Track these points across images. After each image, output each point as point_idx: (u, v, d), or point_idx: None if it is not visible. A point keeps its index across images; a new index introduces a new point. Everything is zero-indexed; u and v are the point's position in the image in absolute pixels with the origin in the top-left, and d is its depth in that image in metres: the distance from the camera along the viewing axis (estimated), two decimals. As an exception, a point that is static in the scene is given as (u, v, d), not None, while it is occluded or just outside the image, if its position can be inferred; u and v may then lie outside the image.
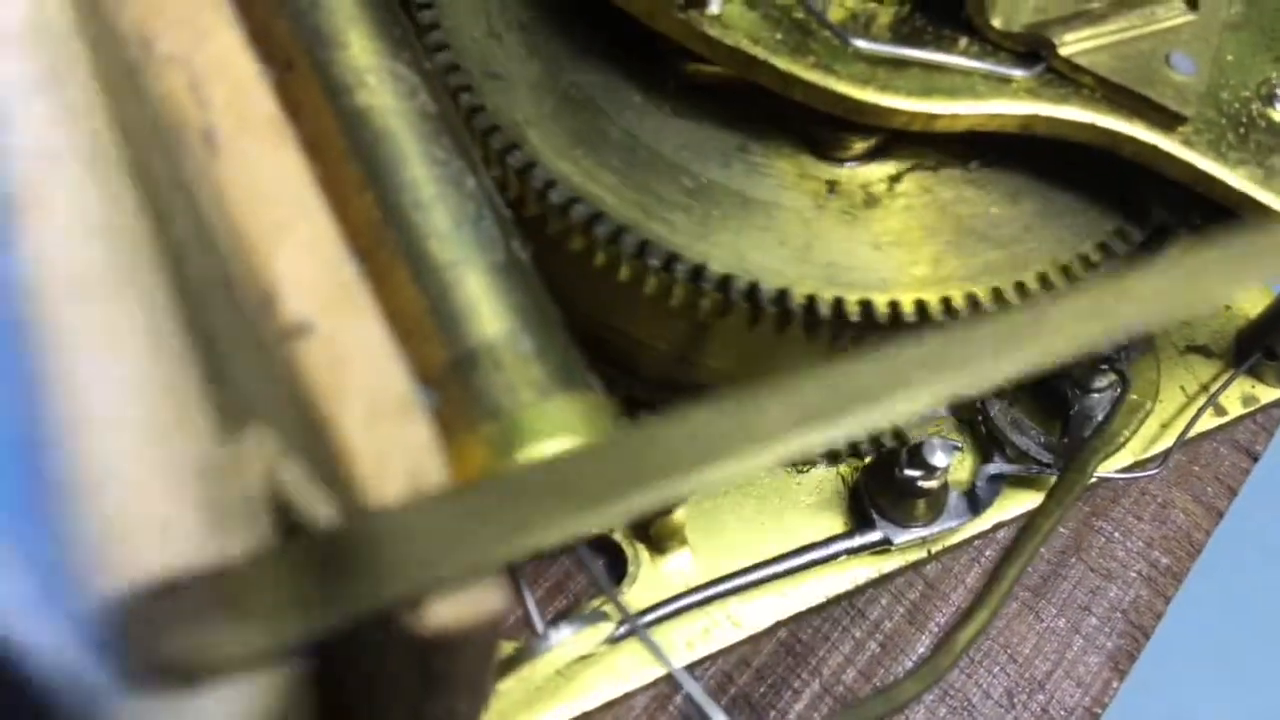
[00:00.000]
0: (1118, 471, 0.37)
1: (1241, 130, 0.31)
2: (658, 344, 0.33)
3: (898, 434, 0.35)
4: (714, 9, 0.29)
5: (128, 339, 0.20)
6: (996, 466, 0.35)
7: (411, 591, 0.17)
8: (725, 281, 0.29)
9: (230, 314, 0.21)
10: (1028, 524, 0.33)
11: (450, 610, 0.18)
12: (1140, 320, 0.21)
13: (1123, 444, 0.36)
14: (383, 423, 0.19)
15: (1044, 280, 0.30)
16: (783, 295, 0.29)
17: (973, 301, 0.30)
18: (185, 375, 0.20)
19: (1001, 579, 0.33)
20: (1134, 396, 0.34)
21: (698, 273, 0.29)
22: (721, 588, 0.33)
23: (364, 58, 0.27)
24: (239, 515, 0.19)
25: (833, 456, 0.36)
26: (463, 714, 0.22)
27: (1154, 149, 0.30)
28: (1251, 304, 0.41)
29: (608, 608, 0.32)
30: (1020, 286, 0.30)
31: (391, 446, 0.19)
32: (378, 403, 0.20)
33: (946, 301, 0.29)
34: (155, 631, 0.17)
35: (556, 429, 0.24)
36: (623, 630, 0.31)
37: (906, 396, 0.19)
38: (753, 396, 0.19)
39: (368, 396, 0.20)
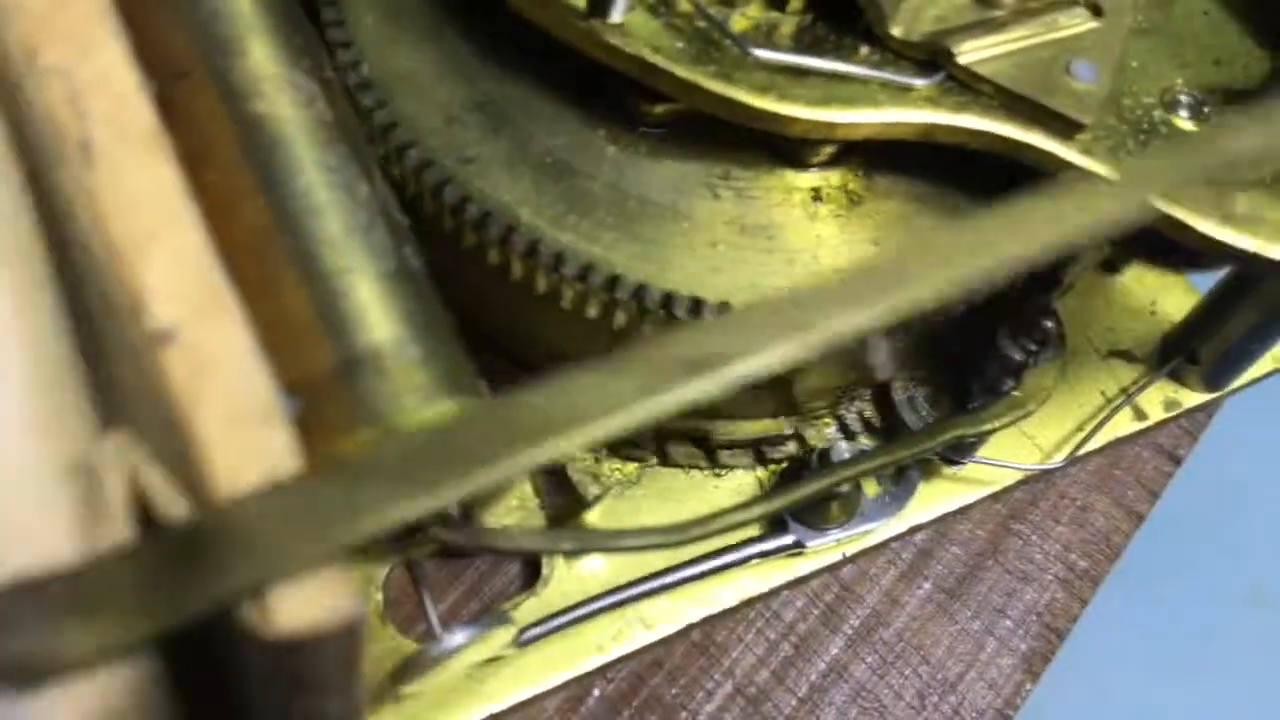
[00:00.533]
0: (1023, 465, 0.37)
1: (1142, 137, 0.31)
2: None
3: (801, 441, 0.35)
4: (615, 18, 0.30)
5: (6, 338, 0.20)
6: (851, 446, 0.35)
7: (258, 580, 0.18)
8: None
9: (108, 318, 0.21)
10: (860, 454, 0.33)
11: (299, 611, 0.19)
12: (968, 275, 0.21)
13: (987, 430, 0.35)
14: (241, 428, 0.20)
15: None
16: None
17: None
18: (64, 375, 0.20)
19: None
20: (1018, 394, 0.35)
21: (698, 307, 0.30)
22: (632, 591, 0.33)
23: (263, 66, 0.27)
24: (102, 516, 0.19)
25: (749, 460, 0.36)
26: (334, 714, 0.22)
27: (1053, 156, 0.31)
28: (1176, 308, 0.42)
29: (517, 614, 0.33)
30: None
31: (249, 452, 0.20)
32: (237, 409, 0.20)
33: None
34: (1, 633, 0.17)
35: (435, 434, 0.24)
36: (530, 634, 0.31)
37: (756, 355, 0.19)
38: (588, 371, 0.19)
39: (228, 403, 0.20)
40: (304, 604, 0.19)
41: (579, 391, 0.19)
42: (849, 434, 0.37)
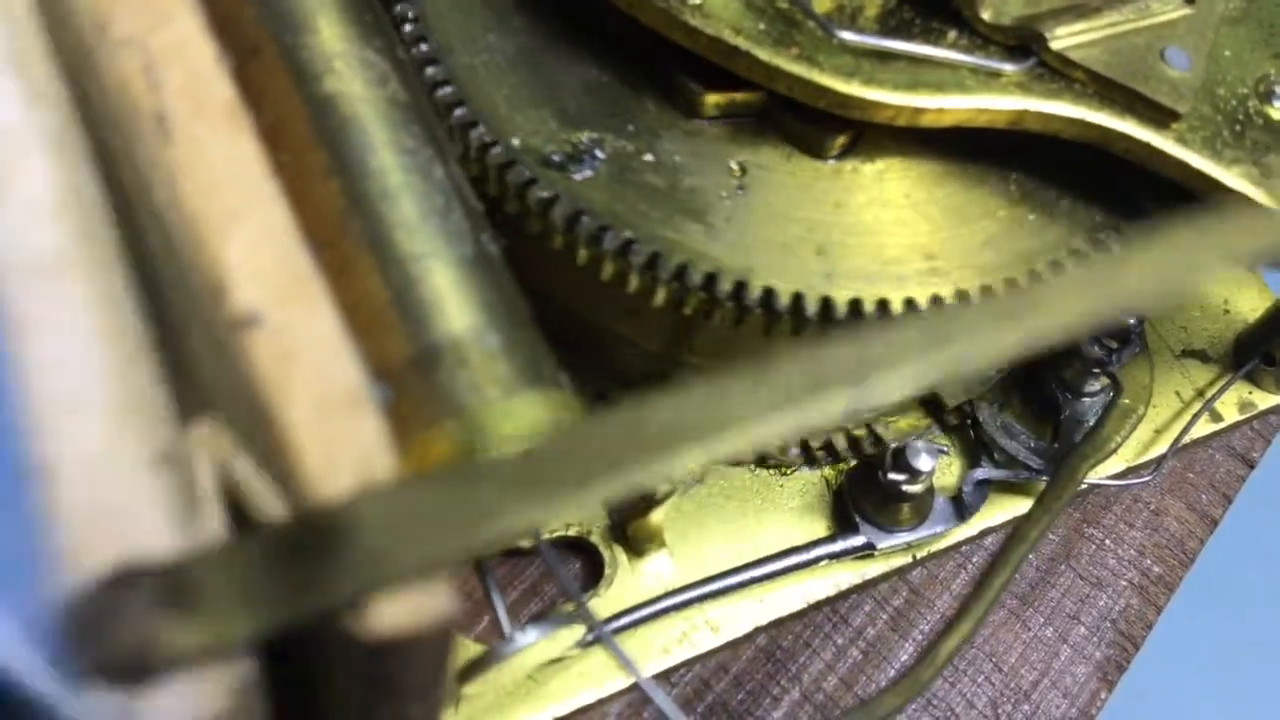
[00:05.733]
0: (1110, 478, 0.37)
1: (1238, 128, 0.30)
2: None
3: (876, 439, 0.34)
4: (696, -2, 0.29)
5: (86, 323, 0.19)
6: (984, 472, 0.35)
7: (371, 585, 0.17)
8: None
9: (187, 301, 0.20)
10: (1015, 531, 0.32)
11: (399, 614, 0.18)
12: (1125, 301, 0.20)
13: (1114, 449, 0.35)
14: (331, 417, 0.19)
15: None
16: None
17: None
18: (145, 361, 0.19)
19: (988, 587, 0.32)
20: (1126, 401, 0.34)
21: (769, 297, 0.29)
22: (697, 592, 0.32)
23: (333, 44, 0.27)
24: (195, 507, 0.18)
25: (811, 459, 0.35)
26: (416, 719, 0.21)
27: (1147, 146, 0.29)
28: (1250, 308, 0.41)
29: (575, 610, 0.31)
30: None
31: (339, 442, 0.19)
32: (326, 397, 0.19)
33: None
34: (106, 625, 0.16)
35: (521, 427, 0.23)
36: (593, 635, 0.30)
37: (881, 378, 0.18)
38: (720, 382, 0.18)
39: (316, 390, 0.19)
40: (402, 606, 0.18)
41: (708, 401, 0.18)
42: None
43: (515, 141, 0.29)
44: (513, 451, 0.17)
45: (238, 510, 0.19)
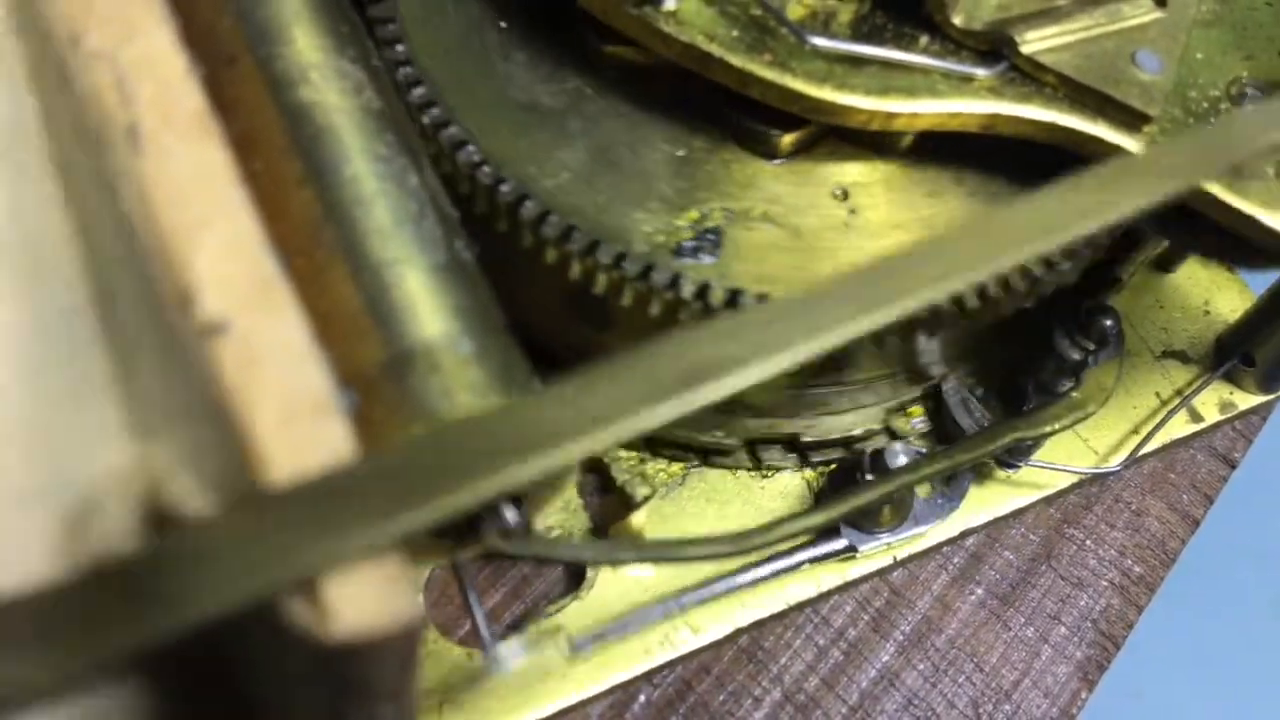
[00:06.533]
0: (1078, 468, 0.36)
1: (1209, 130, 0.30)
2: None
3: (846, 443, 0.34)
4: (670, 5, 0.29)
5: (16, 338, 0.19)
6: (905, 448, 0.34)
7: (209, 612, 0.16)
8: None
9: (149, 313, 0.20)
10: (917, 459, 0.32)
11: (364, 615, 0.18)
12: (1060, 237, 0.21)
13: (1048, 432, 0.34)
14: (296, 424, 0.19)
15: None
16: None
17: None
18: (82, 378, 0.19)
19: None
20: (1077, 395, 0.34)
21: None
22: (683, 601, 0.33)
23: (309, 54, 0.27)
24: (92, 536, 0.18)
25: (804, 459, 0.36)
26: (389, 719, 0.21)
27: (1118, 149, 0.30)
28: (1231, 309, 0.41)
29: (562, 619, 0.32)
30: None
31: (304, 448, 0.19)
32: (292, 403, 0.19)
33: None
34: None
35: (491, 432, 0.23)
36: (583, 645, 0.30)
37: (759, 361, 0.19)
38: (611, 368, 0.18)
39: (282, 397, 0.19)
40: (362, 606, 0.18)
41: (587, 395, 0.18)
42: (896, 435, 0.36)
43: (640, 246, 0.29)
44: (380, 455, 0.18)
45: (167, 531, 0.19)
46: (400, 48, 0.30)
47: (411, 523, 0.17)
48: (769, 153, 0.31)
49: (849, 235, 0.30)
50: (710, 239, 0.29)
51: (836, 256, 0.30)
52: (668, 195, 0.30)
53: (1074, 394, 0.33)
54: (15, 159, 0.20)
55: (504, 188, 0.29)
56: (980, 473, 0.36)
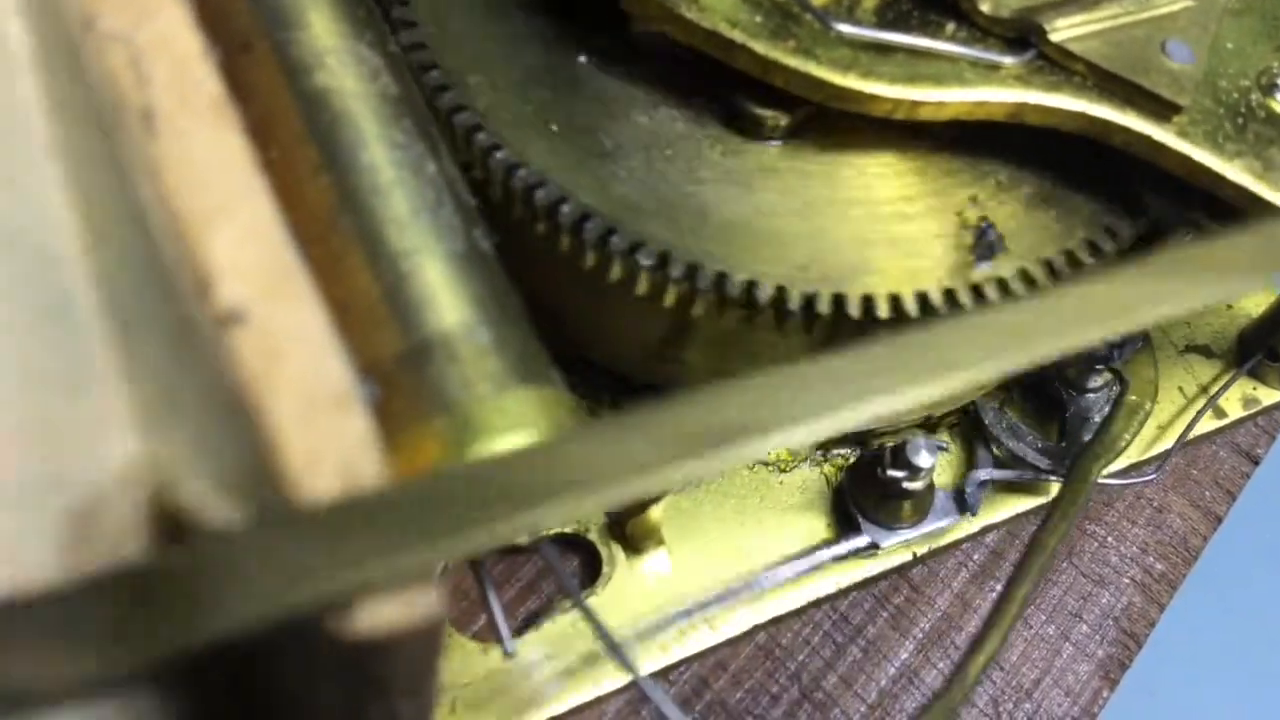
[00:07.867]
0: (1113, 475, 0.36)
1: (1240, 121, 0.30)
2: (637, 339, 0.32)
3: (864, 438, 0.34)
4: (691, -9, 0.28)
5: (17, 329, 0.19)
6: (988, 473, 0.34)
7: (243, 622, 0.16)
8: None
9: (160, 302, 0.20)
10: (1033, 541, 0.31)
11: (389, 613, 0.17)
12: (1127, 325, 0.20)
13: (1124, 448, 0.34)
14: (317, 415, 0.19)
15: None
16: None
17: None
18: (85, 370, 0.19)
19: (1011, 600, 0.31)
20: (1132, 398, 0.33)
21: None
22: (702, 600, 0.32)
23: (325, 39, 0.26)
24: (99, 537, 0.18)
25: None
26: (408, 717, 0.21)
27: (1147, 139, 0.29)
28: (1254, 303, 0.40)
29: (578, 614, 0.31)
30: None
31: (325, 441, 0.18)
32: (312, 394, 0.19)
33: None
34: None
35: (512, 424, 0.23)
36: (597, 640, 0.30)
37: (872, 399, 0.18)
38: (701, 398, 0.18)
39: (302, 388, 0.19)
40: (392, 604, 0.17)
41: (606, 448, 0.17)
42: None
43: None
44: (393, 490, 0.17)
45: (179, 531, 0.18)
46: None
47: (450, 551, 0.17)
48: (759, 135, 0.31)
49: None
50: None
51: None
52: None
53: (1128, 397, 0.33)
54: (14, 144, 0.20)
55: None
56: (1001, 469, 0.35)
